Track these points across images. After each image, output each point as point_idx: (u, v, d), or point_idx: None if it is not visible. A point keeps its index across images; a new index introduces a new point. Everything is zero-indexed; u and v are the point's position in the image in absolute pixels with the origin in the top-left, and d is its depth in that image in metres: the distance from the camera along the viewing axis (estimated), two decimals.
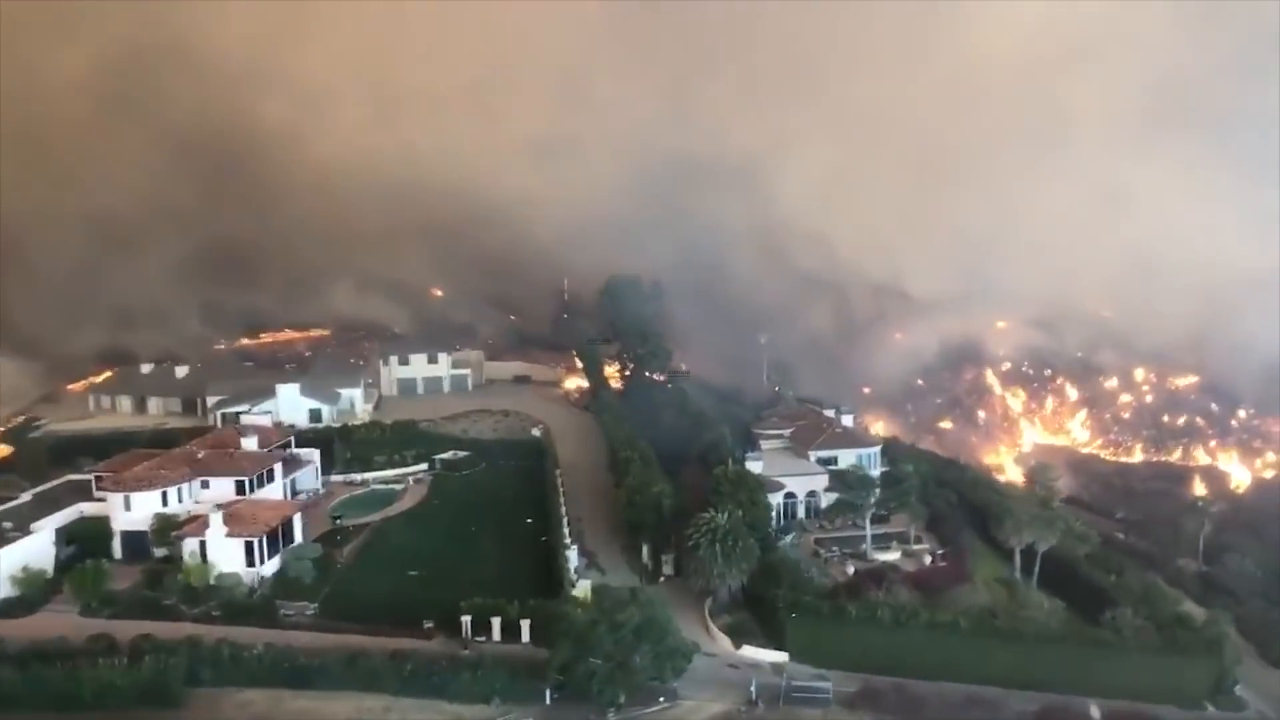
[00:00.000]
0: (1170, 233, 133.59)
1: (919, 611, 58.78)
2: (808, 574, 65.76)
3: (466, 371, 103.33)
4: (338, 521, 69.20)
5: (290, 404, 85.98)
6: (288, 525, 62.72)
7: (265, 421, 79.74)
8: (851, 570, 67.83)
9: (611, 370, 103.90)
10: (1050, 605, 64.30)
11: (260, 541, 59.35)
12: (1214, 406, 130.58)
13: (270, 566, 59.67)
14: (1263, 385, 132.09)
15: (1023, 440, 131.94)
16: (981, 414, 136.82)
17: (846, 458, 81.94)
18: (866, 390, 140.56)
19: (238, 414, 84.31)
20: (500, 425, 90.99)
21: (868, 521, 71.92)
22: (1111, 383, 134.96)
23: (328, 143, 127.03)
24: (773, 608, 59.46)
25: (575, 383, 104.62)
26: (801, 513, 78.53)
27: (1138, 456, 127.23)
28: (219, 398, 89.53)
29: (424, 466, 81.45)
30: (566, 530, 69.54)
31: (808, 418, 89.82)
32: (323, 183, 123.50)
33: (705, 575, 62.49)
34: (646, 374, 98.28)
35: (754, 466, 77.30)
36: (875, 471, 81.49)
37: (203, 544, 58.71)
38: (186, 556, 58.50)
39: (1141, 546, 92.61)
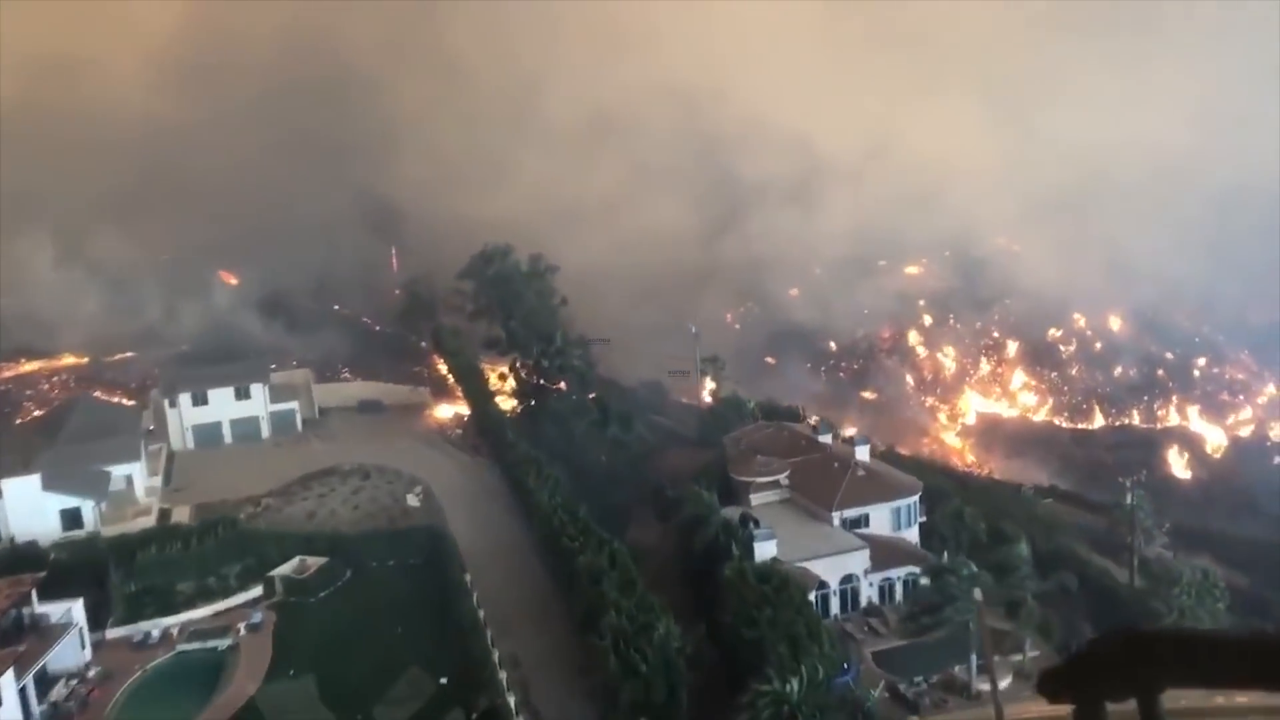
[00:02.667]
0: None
1: None
2: None
3: (293, 405, 72.81)
4: None
5: (26, 507, 54.23)
6: None
7: None
8: None
9: (499, 375, 76.28)
10: None
11: None
12: (1168, 355, 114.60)
13: None
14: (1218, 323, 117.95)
15: (964, 410, 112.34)
16: (909, 379, 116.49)
17: (880, 514, 58.16)
18: (770, 360, 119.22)
19: None
20: (361, 495, 61.88)
21: (976, 637, 47.47)
22: (1054, 333, 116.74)
23: None
24: None
25: (450, 409, 75.96)
26: (835, 607, 54.47)
27: (1098, 421, 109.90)
28: None
29: (258, 591, 52.15)
30: (505, 691, 43.36)
31: (795, 444, 65.31)
32: None
33: None
34: (555, 387, 71.19)
35: (766, 550, 52.37)
36: (913, 529, 58.24)
37: None
38: None
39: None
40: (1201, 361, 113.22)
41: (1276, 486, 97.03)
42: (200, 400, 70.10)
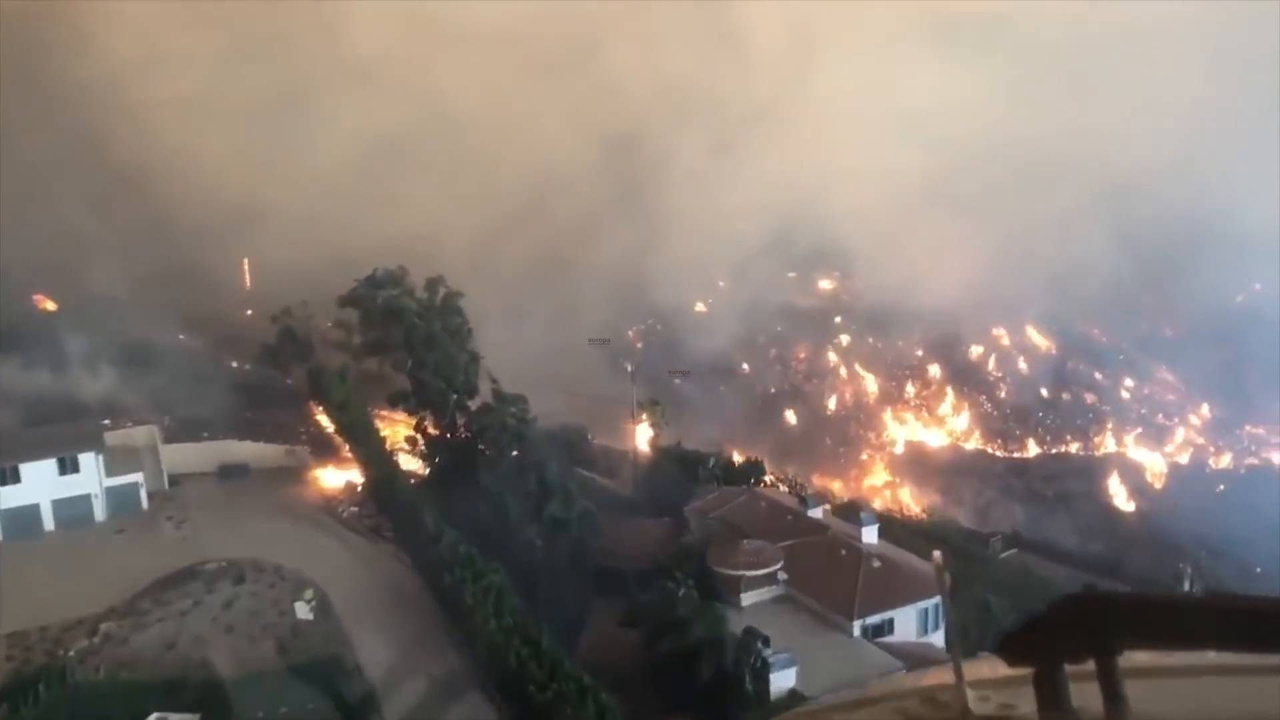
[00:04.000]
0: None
1: None
2: None
3: (135, 477, 56.96)
4: None
5: None
6: None
7: None
8: None
9: (408, 439, 62.09)
10: None
11: None
12: (1097, 375, 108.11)
13: None
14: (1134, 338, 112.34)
15: (891, 439, 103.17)
16: (831, 402, 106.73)
17: (905, 617, 47.13)
18: (678, 382, 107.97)
19: None
20: (235, 609, 47.12)
21: None
22: (976, 350, 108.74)
23: None
24: None
25: (338, 475, 61.24)
26: None
27: (1032, 449, 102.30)
28: None
29: None
30: None
31: (780, 519, 53.78)
32: None
33: None
34: (469, 435, 57.49)
35: (784, 680, 40.66)
36: (939, 632, 47.53)
37: None
38: None
39: None
40: (1130, 382, 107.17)
41: (1219, 518, 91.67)
42: (9, 478, 53.73)
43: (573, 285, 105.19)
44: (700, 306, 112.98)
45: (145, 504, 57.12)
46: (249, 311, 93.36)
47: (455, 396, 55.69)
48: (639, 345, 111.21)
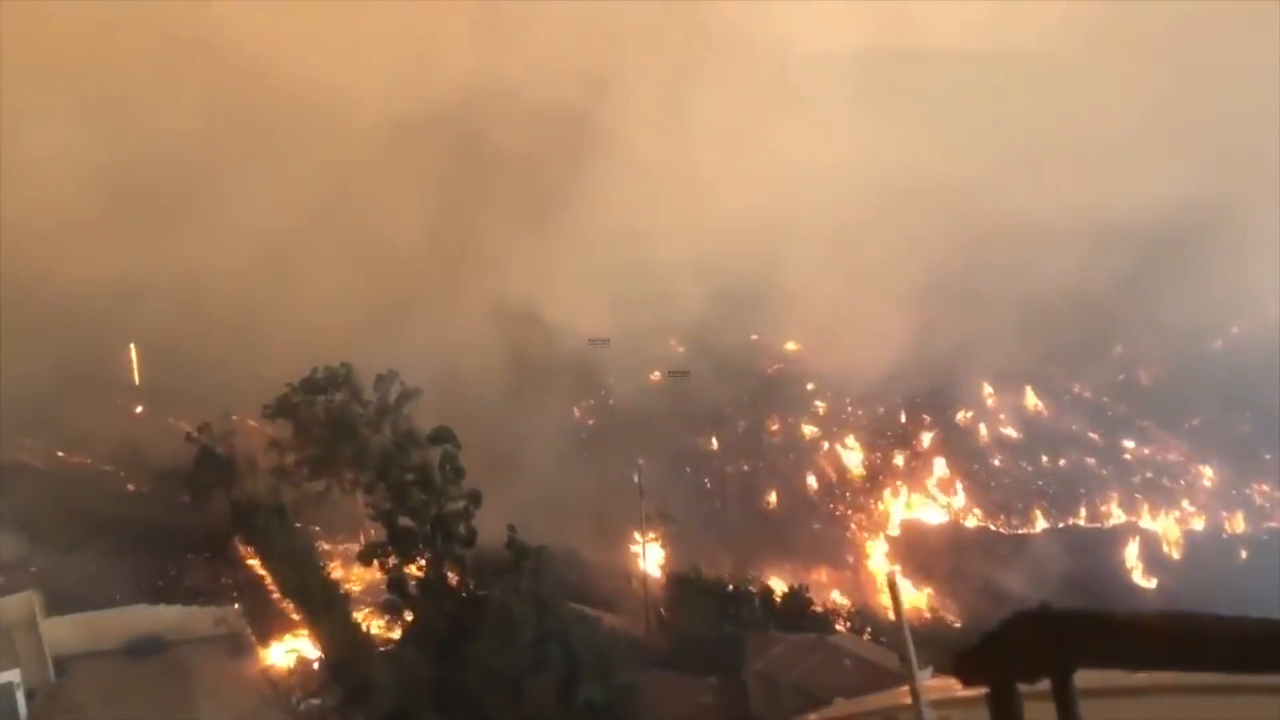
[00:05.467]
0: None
1: None
2: None
3: (10, 676, 42.25)
4: None
5: None
6: None
7: None
8: None
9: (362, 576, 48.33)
10: None
11: None
12: (1093, 435, 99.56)
13: None
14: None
15: (886, 517, 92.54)
16: (812, 480, 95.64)
17: None
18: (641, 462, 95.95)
19: None
20: None
21: None
22: (965, 414, 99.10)
23: None
24: None
25: (285, 645, 47.17)
26: None
27: (1039, 524, 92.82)
28: None
29: None
30: None
31: (876, 685, 42.19)
32: None
33: None
34: (467, 594, 44.17)
35: None
36: None
37: None
38: None
39: None
40: (1129, 443, 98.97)
41: (1247, 590, 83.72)
42: None
43: (512, 360, 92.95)
44: (655, 375, 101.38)
45: (23, 711, 42.23)
46: (138, 409, 78.59)
47: (449, 547, 42.27)
48: (590, 422, 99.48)
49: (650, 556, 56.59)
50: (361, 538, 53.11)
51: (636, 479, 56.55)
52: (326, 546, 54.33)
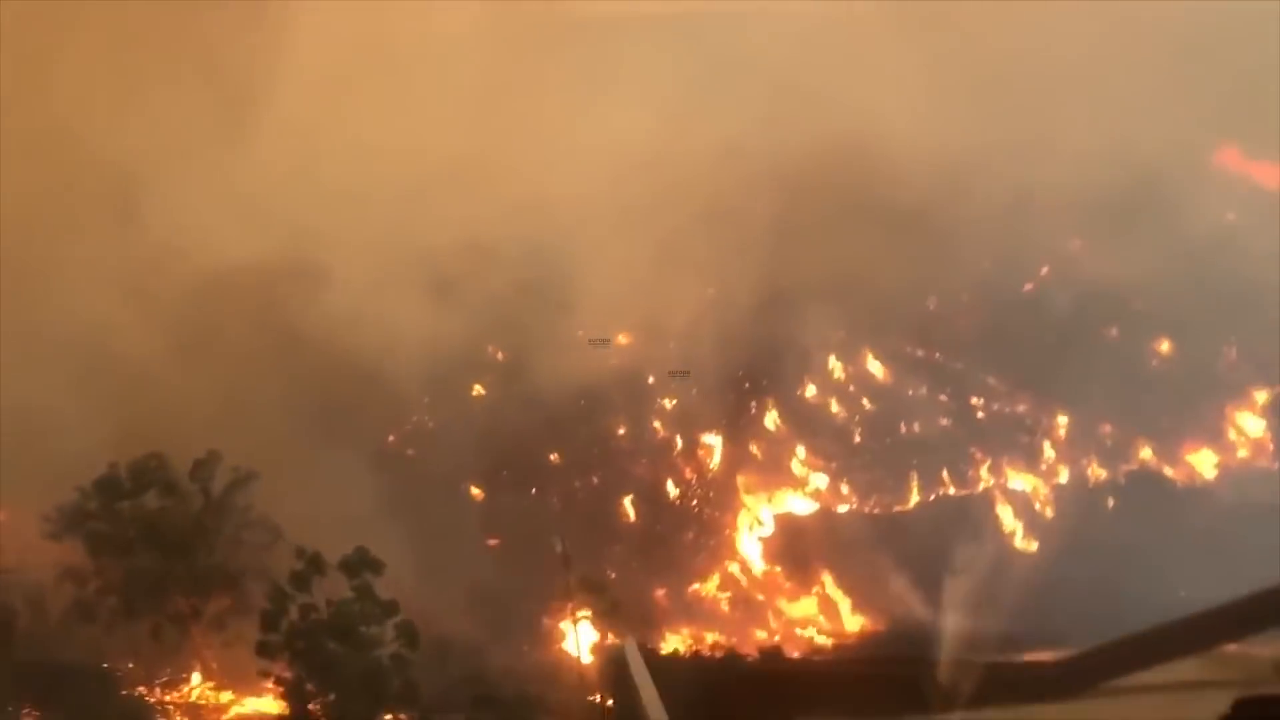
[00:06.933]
0: None
1: None
2: None
3: None
4: None
5: None
6: None
7: None
8: None
9: None
10: None
11: None
12: (942, 398, 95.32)
13: None
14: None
15: (755, 515, 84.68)
16: (670, 485, 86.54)
17: None
18: (476, 491, 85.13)
19: None
20: None
21: None
22: (814, 392, 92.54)
23: None
24: None
25: None
26: None
27: (912, 500, 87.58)
28: None
29: None
30: None
31: None
32: None
33: None
34: None
35: None
36: None
37: None
38: None
39: None
40: (976, 399, 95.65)
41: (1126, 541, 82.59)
42: None
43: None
44: (478, 389, 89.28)
45: None
46: None
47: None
48: (410, 453, 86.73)
49: (581, 639, 45.65)
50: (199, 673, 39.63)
51: (560, 548, 45.43)
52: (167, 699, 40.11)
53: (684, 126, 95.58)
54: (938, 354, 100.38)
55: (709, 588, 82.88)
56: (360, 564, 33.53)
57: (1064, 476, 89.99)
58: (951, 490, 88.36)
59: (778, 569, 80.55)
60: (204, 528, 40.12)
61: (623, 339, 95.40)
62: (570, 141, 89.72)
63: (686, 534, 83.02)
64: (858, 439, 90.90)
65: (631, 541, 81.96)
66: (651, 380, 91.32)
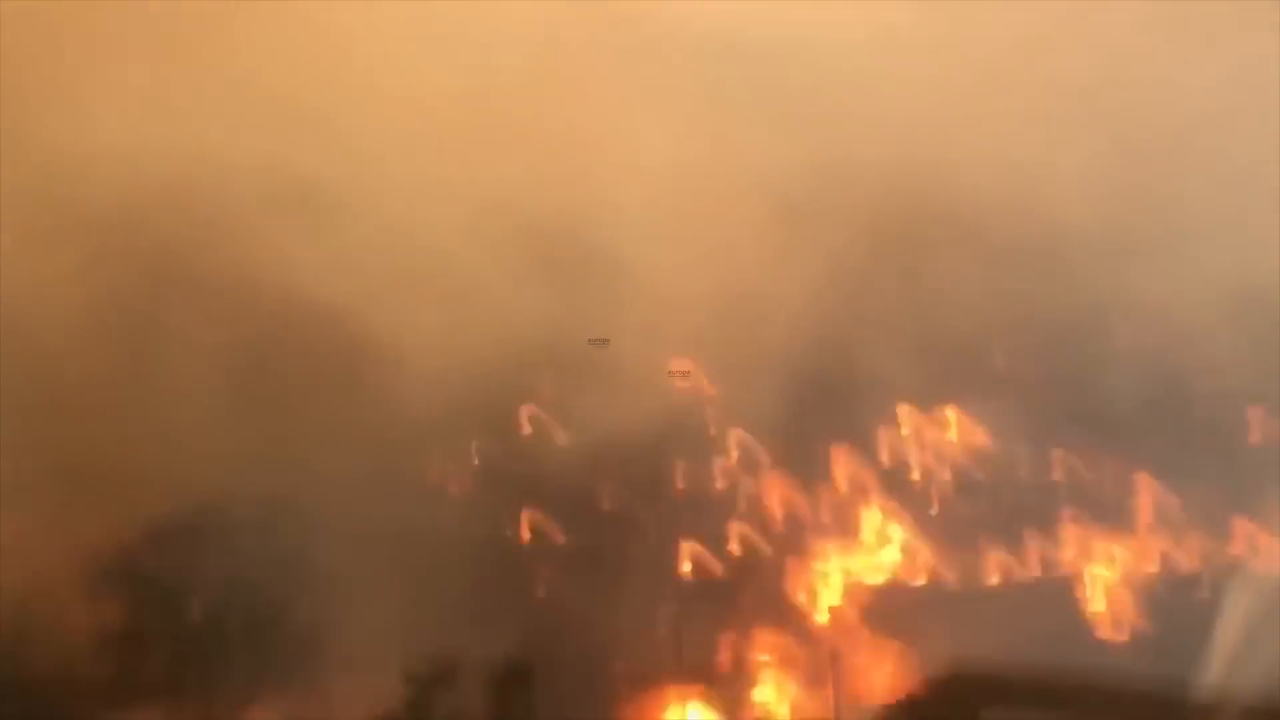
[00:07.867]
0: None
1: None
2: None
3: None
4: None
5: None
6: None
7: None
8: None
9: None
10: None
11: None
12: (1022, 459, 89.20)
13: None
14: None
15: (832, 578, 78.64)
16: (735, 541, 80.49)
17: None
18: (526, 536, 78.46)
19: None
20: None
21: None
22: (891, 450, 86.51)
23: None
24: None
25: None
26: None
27: (994, 575, 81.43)
28: None
29: None
30: None
31: None
32: None
33: None
34: None
35: None
36: None
37: None
38: None
39: None
40: (1058, 453, 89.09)
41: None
42: None
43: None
44: (526, 428, 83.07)
45: None
46: None
47: None
48: (451, 491, 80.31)
49: None
50: None
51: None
52: None
53: (750, 153, 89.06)
54: (1011, 410, 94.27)
55: (765, 654, 76.08)
56: None
57: (1154, 555, 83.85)
58: (1036, 565, 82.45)
59: (844, 639, 74.22)
60: None
61: (682, 364, 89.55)
62: (638, 182, 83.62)
63: (750, 599, 76.52)
64: (937, 505, 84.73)
65: (690, 604, 75.57)
66: (713, 431, 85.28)
